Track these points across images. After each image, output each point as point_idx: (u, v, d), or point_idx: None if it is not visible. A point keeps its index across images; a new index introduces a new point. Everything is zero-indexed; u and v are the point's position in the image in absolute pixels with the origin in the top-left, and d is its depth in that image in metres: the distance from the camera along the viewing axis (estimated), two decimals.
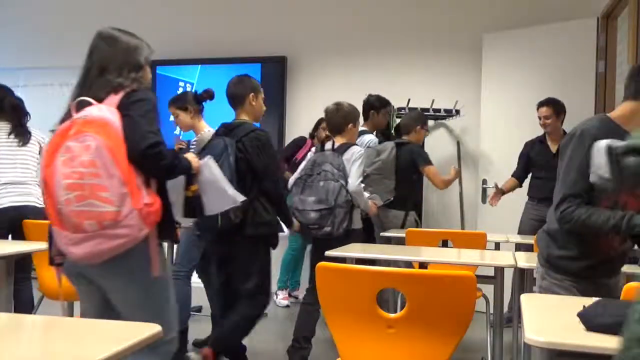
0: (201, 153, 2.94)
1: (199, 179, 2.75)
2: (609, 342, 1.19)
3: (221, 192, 2.71)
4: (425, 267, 2.98)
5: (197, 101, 3.38)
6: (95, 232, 1.81)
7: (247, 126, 2.99)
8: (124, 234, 1.84)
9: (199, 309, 4.87)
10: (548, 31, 4.76)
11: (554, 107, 4.34)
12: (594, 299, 1.38)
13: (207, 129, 3.63)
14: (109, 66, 2.04)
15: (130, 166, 1.85)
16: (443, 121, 5.47)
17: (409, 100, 5.19)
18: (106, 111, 1.91)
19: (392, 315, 1.87)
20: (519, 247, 3.87)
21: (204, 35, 6.08)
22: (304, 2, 5.90)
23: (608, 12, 4.46)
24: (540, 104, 4.38)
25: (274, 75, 5.80)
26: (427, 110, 5.22)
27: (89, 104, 1.93)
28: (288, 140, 5.83)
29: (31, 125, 3.81)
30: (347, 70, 5.75)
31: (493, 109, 4.51)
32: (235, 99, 3.08)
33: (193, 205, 2.84)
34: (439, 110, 5.27)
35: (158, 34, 6.24)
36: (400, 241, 3.65)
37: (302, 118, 5.84)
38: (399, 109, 5.20)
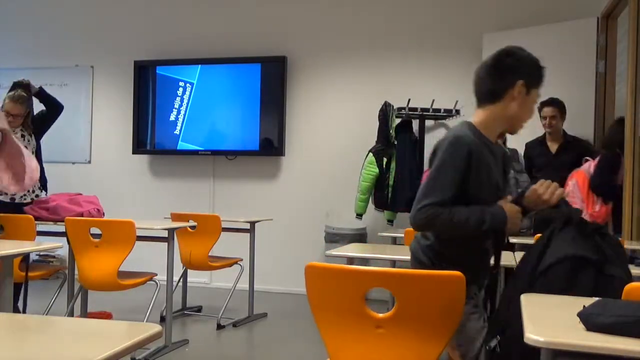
0: None
1: None
2: (609, 342, 1.18)
3: None
4: None
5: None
6: None
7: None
8: None
9: (199, 309, 4.87)
10: (548, 31, 4.76)
11: (560, 108, 4.30)
12: (595, 299, 1.38)
13: None
14: None
15: None
16: (443, 121, 5.47)
17: (409, 100, 5.19)
18: None
19: (381, 315, 1.84)
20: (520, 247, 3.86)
21: (203, 35, 6.08)
22: (304, 2, 5.90)
23: (608, 12, 4.46)
24: (546, 104, 4.29)
25: (274, 75, 5.80)
26: (427, 110, 5.22)
27: None
28: (288, 139, 5.84)
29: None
30: (347, 70, 5.76)
31: None
32: None
33: None
34: (439, 110, 5.27)
35: (158, 34, 6.27)
36: (398, 241, 3.65)
37: (302, 118, 5.85)
38: (399, 109, 5.20)
